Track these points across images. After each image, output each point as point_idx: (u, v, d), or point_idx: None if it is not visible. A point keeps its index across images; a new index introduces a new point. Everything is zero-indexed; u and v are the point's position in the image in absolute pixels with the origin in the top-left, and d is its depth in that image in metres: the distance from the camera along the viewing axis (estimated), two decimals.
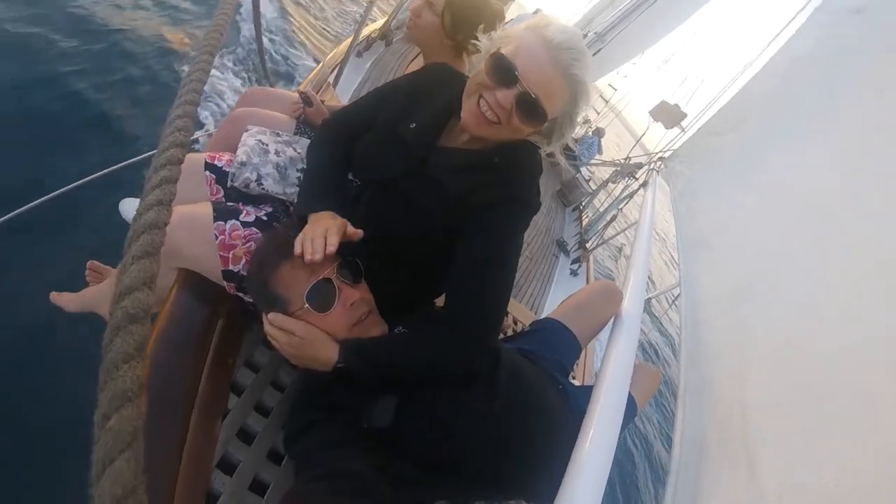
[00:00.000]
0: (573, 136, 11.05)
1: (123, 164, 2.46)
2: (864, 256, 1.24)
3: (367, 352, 1.22)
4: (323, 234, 1.16)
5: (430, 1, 1.86)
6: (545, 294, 4.50)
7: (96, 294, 1.87)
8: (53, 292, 1.96)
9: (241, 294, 1.38)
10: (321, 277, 1.19)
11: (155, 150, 0.84)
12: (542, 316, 2.57)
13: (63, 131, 3.42)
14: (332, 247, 1.14)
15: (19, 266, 2.58)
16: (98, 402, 0.54)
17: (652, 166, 4.48)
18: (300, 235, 1.18)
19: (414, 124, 1.33)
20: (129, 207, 2.59)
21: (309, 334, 1.17)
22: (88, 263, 2.13)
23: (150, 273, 0.66)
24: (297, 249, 1.15)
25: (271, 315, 1.18)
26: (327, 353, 1.17)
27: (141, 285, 0.64)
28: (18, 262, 2.59)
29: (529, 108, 1.13)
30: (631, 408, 1.78)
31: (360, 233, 1.22)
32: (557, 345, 1.85)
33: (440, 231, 1.27)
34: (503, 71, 1.12)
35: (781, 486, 0.96)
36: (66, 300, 1.93)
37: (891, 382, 0.93)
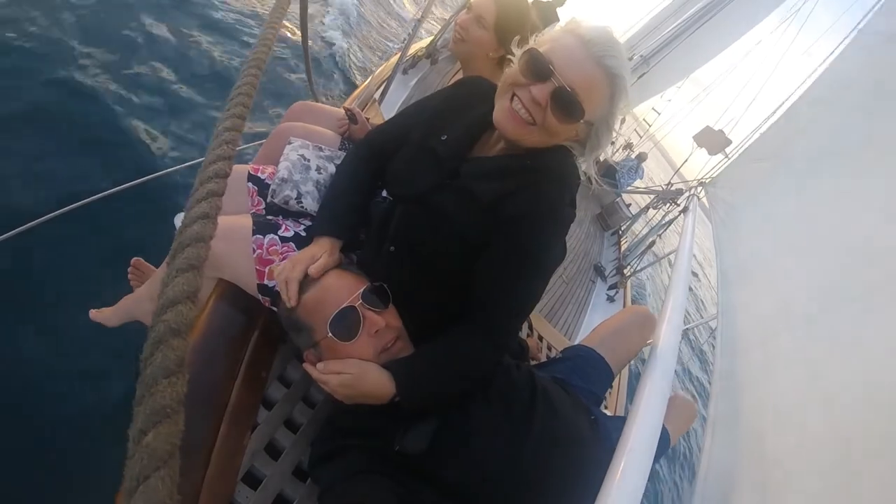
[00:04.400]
0: (615, 159, 11.03)
1: (172, 169, 2.55)
2: None
3: (420, 381, 1.21)
4: (301, 271, 1.22)
5: (480, 14, 1.88)
6: (580, 320, 4.44)
7: (134, 302, 1.88)
8: (92, 310, 1.97)
9: (275, 308, 1.38)
10: (345, 305, 1.19)
11: (202, 159, 0.84)
12: (577, 342, 2.53)
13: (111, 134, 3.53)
14: (293, 300, 1.21)
15: (62, 267, 2.62)
16: (134, 417, 0.53)
17: (693, 192, 4.40)
18: (278, 272, 1.24)
19: (445, 136, 1.32)
20: (179, 220, 2.65)
21: (357, 368, 1.17)
22: (133, 260, 2.15)
23: (193, 286, 0.64)
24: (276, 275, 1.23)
25: (319, 365, 1.19)
26: (381, 386, 1.17)
27: (184, 299, 0.62)
28: (62, 260, 2.63)
29: (566, 103, 1.08)
30: (664, 441, 1.73)
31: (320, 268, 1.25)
32: (590, 373, 1.81)
33: (473, 243, 1.24)
34: (538, 65, 1.09)
35: None
36: (105, 316, 1.95)
37: None
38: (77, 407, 2.23)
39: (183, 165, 2.71)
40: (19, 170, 2.86)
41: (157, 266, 2.13)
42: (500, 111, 1.17)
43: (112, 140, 3.46)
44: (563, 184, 1.24)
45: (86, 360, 2.34)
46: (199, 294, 0.66)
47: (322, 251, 1.28)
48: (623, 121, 11.16)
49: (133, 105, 3.81)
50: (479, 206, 1.22)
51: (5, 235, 1.83)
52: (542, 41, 1.13)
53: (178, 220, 2.27)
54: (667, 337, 1.65)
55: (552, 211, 1.22)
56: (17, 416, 2.12)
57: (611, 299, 5.05)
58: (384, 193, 1.54)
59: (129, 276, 2.16)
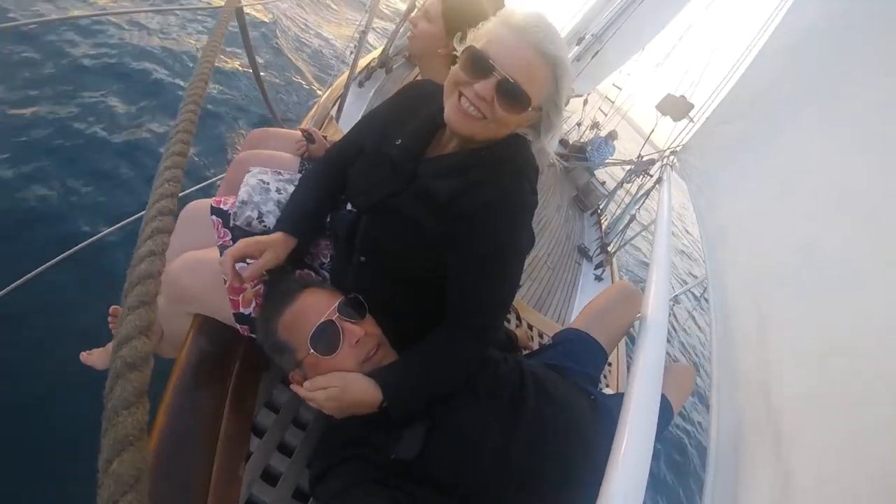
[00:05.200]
0: (584, 140, 11.08)
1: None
2: (887, 242, 1.19)
3: (405, 384, 1.22)
4: (237, 252, 1.24)
5: (426, 9, 1.87)
6: (571, 303, 4.44)
7: None
8: (83, 353, 1.98)
9: (254, 336, 1.38)
10: (323, 320, 1.20)
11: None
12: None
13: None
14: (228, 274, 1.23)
15: (46, 321, 2.65)
16: (101, 448, 0.56)
17: (665, 161, 4.43)
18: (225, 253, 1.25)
19: (399, 140, 1.32)
20: None
21: (341, 380, 1.17)
22: (111, 309, 2.15)
23: (146, 321, 0.67)
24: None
25: (306, 383, 1.20)
26: (368, 394, 1.18)
27: (138, 334, 0.65)
28: (45, 316, 2.66)
29: (511, 94, 1.09)
30: (666, 411, 1.73)
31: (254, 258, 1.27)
32: (582, 355, 1.80)
33: (439, 243, 1.24)
34: (478, 62, 1.09)
35: (818, 480, 0.93)
36: (95, 358, 1.95)
37: None
38: (64, 447, 2.25)
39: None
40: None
41: None
42: (450, 111, 1.17)
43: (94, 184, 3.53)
44: (521, 173, 1.25)
45: (77, 402, 2.37)
46: (153, 328, 0.68)
47: (271, 243, 1.29)
48: (586, 101, 11.24)
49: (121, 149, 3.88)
50: (438, 205, 1.22)
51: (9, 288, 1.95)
52: (479, 36, 1.14)
53: None
54: (655, 307, 1.65)
55: (512, 201, 1.23)
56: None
57: (598, 278, 5.07)
58: (349, 206, 1.53)
59: (110, 323, 2.14)
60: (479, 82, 1.09)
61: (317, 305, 1.23)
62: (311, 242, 1.50)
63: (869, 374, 0.99)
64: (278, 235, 1.32)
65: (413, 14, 1.94)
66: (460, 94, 1.13)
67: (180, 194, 2.85)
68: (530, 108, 1.13)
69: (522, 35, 1.09)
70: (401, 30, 4.37)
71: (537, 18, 1.11)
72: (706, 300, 2.19)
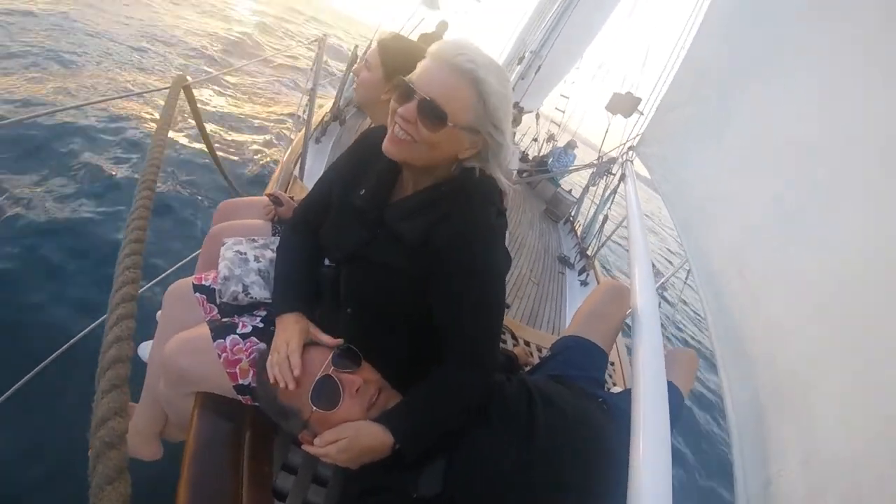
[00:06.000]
0: (543, 153, 11.25)
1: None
2: (858, 182, 1.23)
3: (413, 423, 1.23)
4: (286, 354, 1.24)
5: (367, 59, 1.92)
6: (562, 312, 4.47)
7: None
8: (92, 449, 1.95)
9: (258, 404, 1.37)
10: (319, 376, 1.21)
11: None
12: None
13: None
14: (297, 369, 1.21)
15: (52, 413, 2.62)
16: None
17: (624, 158, 4.51)
18: (268, 366, 1.24)
19: (363, 190, 1.34)
20: (144, 351, 2.63)
21: (350, 430, 1.18)
22: None
23: (118, 403, 0.74)
24: (272, 381, 1.22)
25: (316, 440, 1.19)
26: (379, 439, 1.18)
27: (113, 415, 0.71)
28: (50, 409, 2.63)
29: (429, 111, 1.12)
30: (676, 397, 1.74)
31: (324, 338, 1.31)
32: (583, 360, 1.82)
33: (418, 283, 1.26)
34: (403, 89, 1.15)
35: (842, 422, 0.93)
36: None
37: None
38: None
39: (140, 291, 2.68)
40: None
41: (135, 402, 2.09)
42: (386, 140, 1.21)
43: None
44: (484, 198, 1.27)
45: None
46: (126, 409, 0.75)
47: (290, 330, 1.29)
48: (538, 116, 11.45)
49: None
50: (410, 246, 1.24)
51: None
52: (413, 74, 1.18)
53: (144, 349, 2.24)
54: (643, 299, 1.67)
55: (480, 227, 1.25)
56: None
57: (584, 283, 5.11)
58: (327, 262, 1.54)
59: None
60: (403, 107, 1.14)
61: (311, 363, 1.24)
62: (314, 308, 1.49)
63: (868, 310, 1.00)
64: (283, 321, 1.33)
65: (355, 66, 2.00)
66: (394, 125, 1.17)
67: (158, 278, 2.86)
68: (451, 125, 1.14)
69: (438, 56, 1.14)
70: (347, 81, 4.44)
71: (456, 41, 1.17)
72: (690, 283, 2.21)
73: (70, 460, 2.03)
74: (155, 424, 1.72)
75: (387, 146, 1.20)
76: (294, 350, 1.25)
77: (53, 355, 2.31)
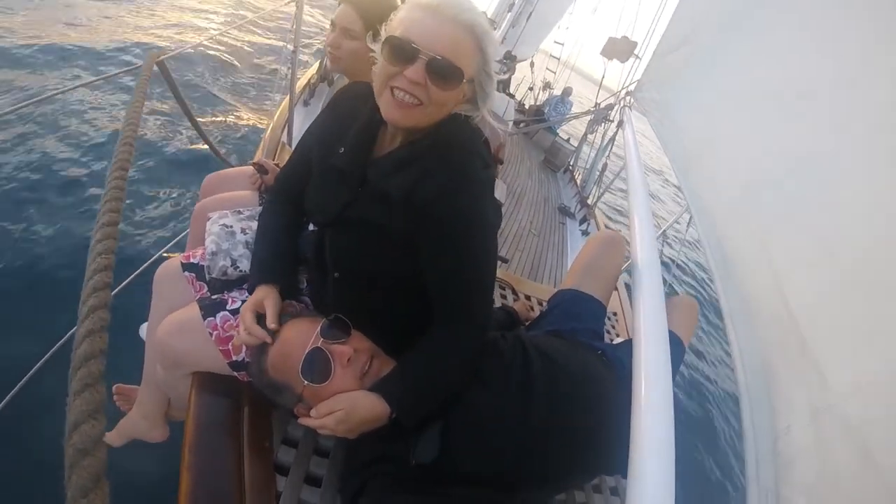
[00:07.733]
0: (539, 102, 11.07)
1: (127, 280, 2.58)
2: (861, 124, 1.18)
3: (408, 389, 1.21)
4: (249, 322, 1.23)
5: (345, 27, 1.81)
6: (564, 264, 4.45)
7: (130, 424, 1.86)
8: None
9: (252, 380, 1.36)
10: (308, 350, 1.18)
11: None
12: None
13: None
14: (253, 328, 1.22)
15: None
16: None
17: (622, 103, 4.42)
18: (235, 340, 1.26)
19: (343, 149, 1.29)
20: (144, 332, 2.64)
21: (346, 402, 1.16)
22: (115, 387, 2.14)
23: (92, 405, 0.68)
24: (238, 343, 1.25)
25: (312, 412, 1.18)
26: (375, 410, 1.17)
27: (87, 418, 0.66)
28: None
29: (443, 71, 1.07)
30: (677, 346, 1.73)
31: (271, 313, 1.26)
32: (580, 312, 1.80)
33: (406, 242, 1.22)
34: (401, 49, 1.07)
35: (855, 380, 0.92)
36: (110, 438, 1.93)
37: None
38: None
39: (133, 276, 2.69)
40: None
41: (137, 384, 2.10)
42: (387, 107, 1.14)
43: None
44: (470, 151, 1.23)
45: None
46: (102, 410, 0.69)
47: (263, 297, 1.28)
48: (532, 64, 11.20)
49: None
50: (396, 203, 1.19)
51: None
52: (394, 26, 1.12)
53: (144, 331, 2.24)
54: (644, 248, 1.64)
55: (467, 181, 1.21)
56: None
57: (585, 233, 5.06)
58: (311, 227, 1.51)
59: (116, 402, 2.13)
60: (407, 69, 1.07)
61: (298, 337, 1.21)
62: (294, 278, 1.48)
63: (880, 263, 0.98)
64: (260, 291, 1.30)
65: (330, 36, 1.88)
66: (392, 88, 1.11)
67: (148, 262, 2.83)
68: (465, 82, 1.12)
69: (437, 12, 1.07)
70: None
71: None
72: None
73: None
74: (160, 407, 1.73)
75: (392, 114, 1.14)
76: (247, 308, 1.25)
77: (44, 359, 2.31)
